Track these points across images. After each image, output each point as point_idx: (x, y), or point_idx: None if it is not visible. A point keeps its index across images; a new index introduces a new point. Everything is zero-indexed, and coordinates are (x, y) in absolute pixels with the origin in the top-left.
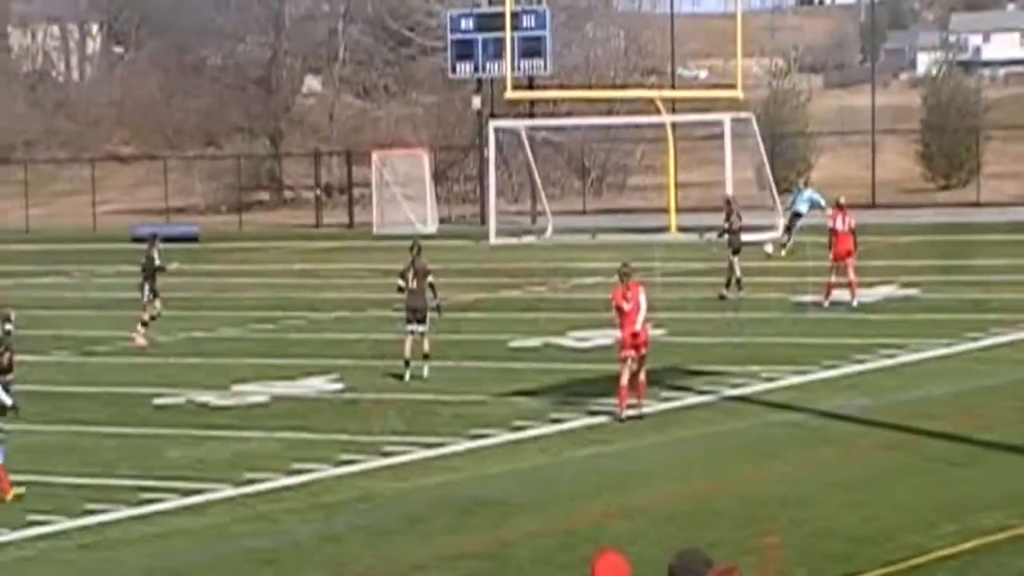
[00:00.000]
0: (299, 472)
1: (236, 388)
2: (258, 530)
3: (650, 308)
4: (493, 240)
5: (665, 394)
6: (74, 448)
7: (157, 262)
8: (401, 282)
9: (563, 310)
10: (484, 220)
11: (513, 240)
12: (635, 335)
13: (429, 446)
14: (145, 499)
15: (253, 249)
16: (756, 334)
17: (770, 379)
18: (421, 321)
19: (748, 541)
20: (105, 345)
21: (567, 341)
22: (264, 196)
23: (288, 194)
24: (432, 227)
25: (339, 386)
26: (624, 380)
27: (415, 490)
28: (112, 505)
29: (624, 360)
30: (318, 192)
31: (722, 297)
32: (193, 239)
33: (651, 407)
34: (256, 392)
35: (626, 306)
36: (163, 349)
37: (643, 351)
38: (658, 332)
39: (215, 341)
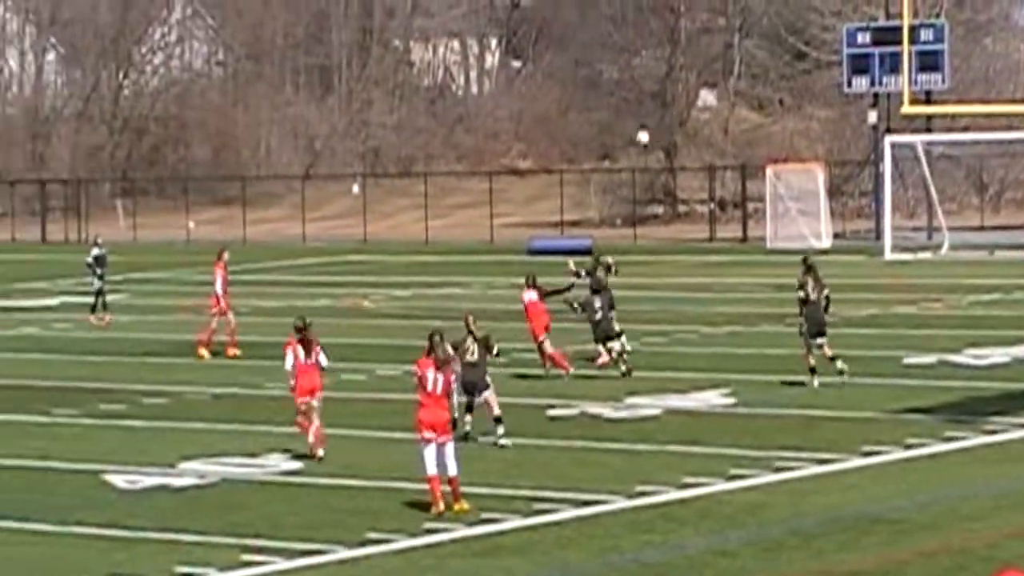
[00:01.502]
0: (690, 486)
1: (629, 401)
2: (650, 542)
3: None
4: (888, 255)
5: None
6: (469, 457)
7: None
8: (801, 294)
9: (959, 327)
10: (879, 235)
11: (908, 256)
12: None
13: (821, 462)
14: (538, 509)
15: (646, 262)
16: None
17: None
18: (819, 335)
19: None
20: (499, 356)
21: (963, 358)
22: (658, 210)
23: (682, 208)
24: (826, 242)
25: (731, 400)
26: None
27: (808, 506)
28: (507, 514)
29: None
30: (712, 206)
31: None
32: (587, 252)
33: None
34: (648, 405)
35: None
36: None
37: None
38: None
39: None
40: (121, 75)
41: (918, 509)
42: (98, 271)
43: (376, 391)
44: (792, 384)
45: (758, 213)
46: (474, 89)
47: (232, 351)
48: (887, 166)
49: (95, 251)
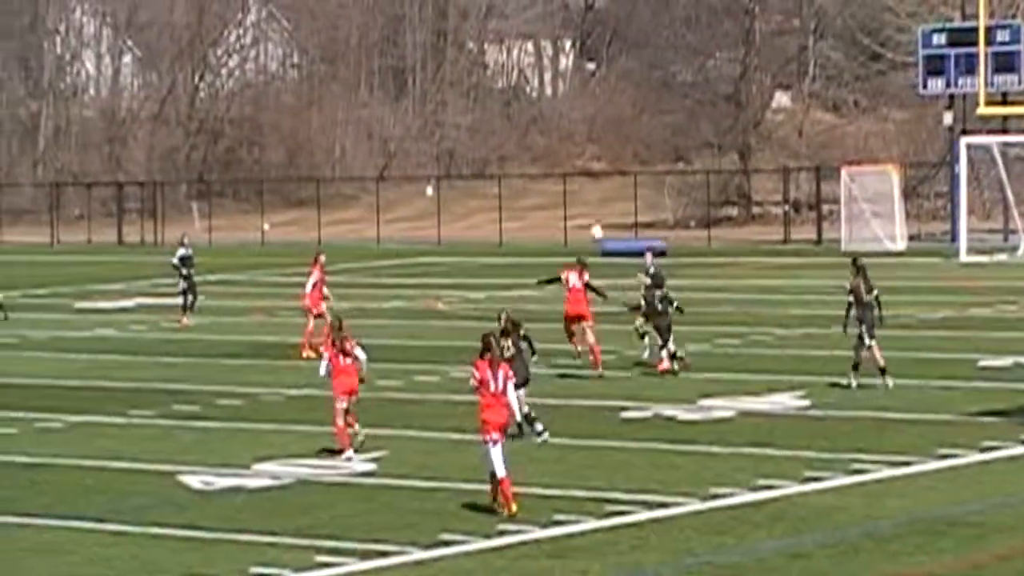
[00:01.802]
0: (764, 488)
1: (702, 403)
2: (723, 544)
3: None
4: (963, 258)
5: None
6: (542, 459)
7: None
8: (851, 298)
9: None
10: (954, 237)
11: (984, 258)
12: None
13: (896, 464)
14: (612, 511)
15: (720, 264)
16: None
17: None
18: (873, 336)
19: None
20: (571, 359)
21: None
22: (732, 212)
23: (756, 210)
24: (901, 244)
25: (806, 403)
26: None
27: (882, 509)
28: (580, 516)
29: None
30: (786, 208)
31: None
32: (661, 254)
33: None
34: (722, 407)
35: None
36: (631, 363)
37: None
38: None
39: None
40: (197, 77)
41: (994, 512)
42: (183, 271)
43: (449, 392)
44: (867, 386)
45: (833, 215)
46: (548, 91)
47: (307, 353)
48: (963, 168)
49: (181, 251)
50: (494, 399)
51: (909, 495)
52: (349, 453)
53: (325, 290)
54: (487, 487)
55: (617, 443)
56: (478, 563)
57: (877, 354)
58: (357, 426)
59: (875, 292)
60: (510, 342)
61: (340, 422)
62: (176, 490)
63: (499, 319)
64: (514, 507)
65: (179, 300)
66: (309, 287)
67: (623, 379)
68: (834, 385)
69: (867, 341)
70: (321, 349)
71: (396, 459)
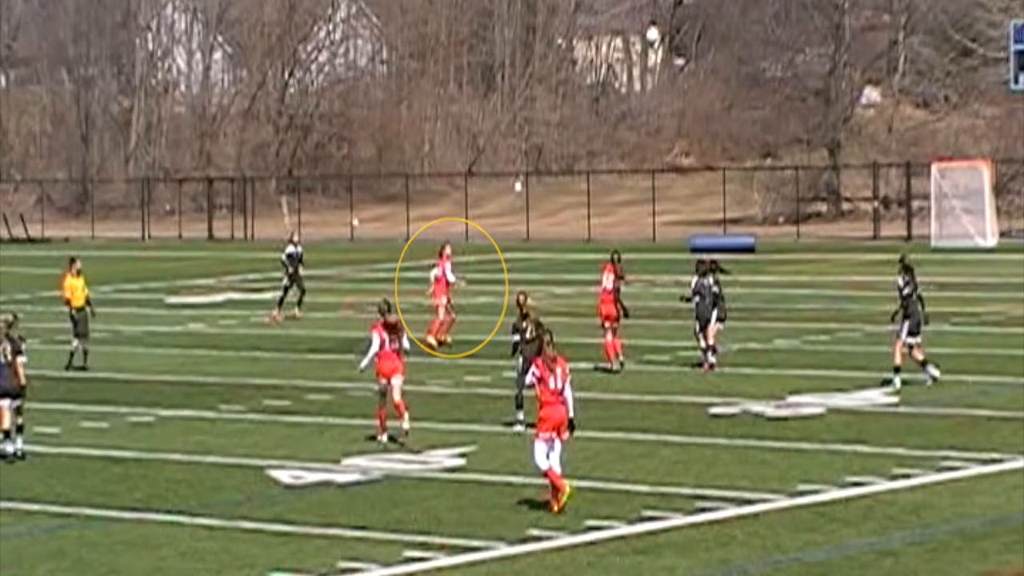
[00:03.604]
0: (853, 485)
1: (791, 399)
2: (812, 542)
3: None
4: None
5: None
6: (631, 455)
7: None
8: (900, 295)
9: None
10: None
11: None
12: None
13: (986, 462)
14: (701, 507)
15: (809, 261)
16: None
17: None
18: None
19: None
20: (662, 355)
21: None
22: (821, 208)
23: (846, 206)
24: (992, 241)
25: (895, 399)
26: None
27: (972, 507)
28: (669, 512)
29: None
30: (876, 204)
31: None
32: (750, 250)
33: None
34: (811, 404)
35: None
36: (719, 359)
37: None
38: None
39: (770, 352)
40: (287, 73)
41: None
42: (290, 269)
43: None
44: (957, 383)
45: (923, 211)
46: (637, 87)
47: (434, 339)
48: None
49: (289, 248)
50: (553, 397)
51: (999, 493)
52: (384, 438)
53: (452, 277)
54: (577, 483)
55: (706, 439)
56: (565, 559)
57: (914, 351)
58: (406, 421)
59: (919, 290)
60: (530, 324)
61: (396, 397)
62: (266, 485)
63: (517, 302)
64: (564, 497)
65: (278, 295)
66: (433, 279)
67: (712, 375)
68: (905, 383)
69: (907, 339)
70: (371, 332)
71: (485, 454)
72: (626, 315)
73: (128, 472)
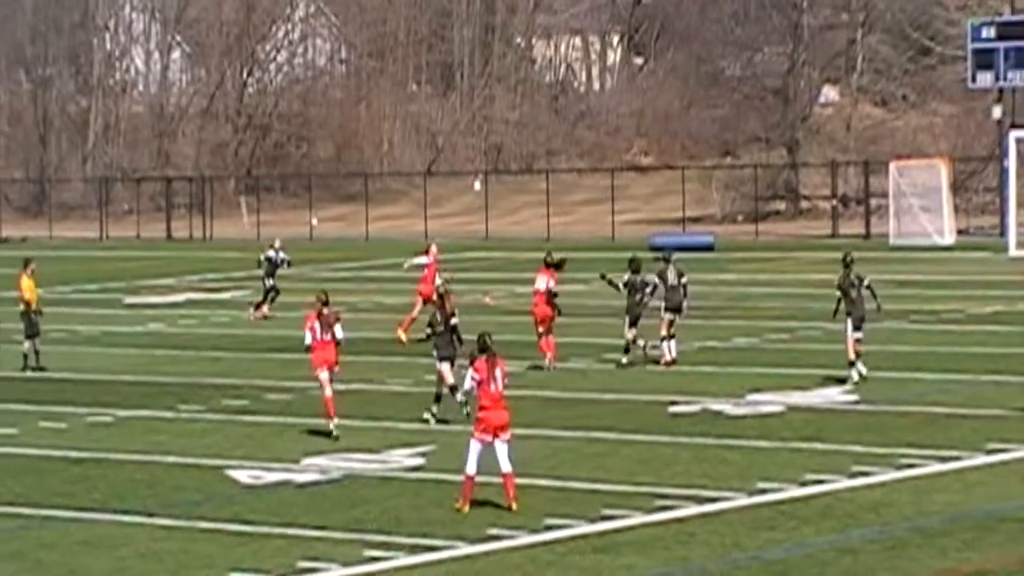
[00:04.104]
0: (813, 483)
1: (751, 397)
2: (771, 539)
3: None
4: (1013, 252)
5: None
6: (591, 454)
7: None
8: (839, 293)
9: None
10: (1004, 232)
11: None
12: None
13: (945, 459)
14: (661, 506)
15: (768, 259)
16: None
17: None
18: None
19: None
20: (621, 353)
21: None
22: (780, 206)
23: (804, 204)
24: (950, 239)
25: (854, 397)
26: None
27: (931, 504)
28: (629, 511)
29: None
30: (835, 203)
31: None
32: (709, 248)
33: None
34: (771, 402)
35: None
36: (679, 357)
37: None
38: None
39: (730, 350)
40: (245, 73)
41: None
42: (266, 271)
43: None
44: (916, 381)
45: (881, 209)
46: (596, 86)
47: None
48: (1012, 161)
49: (270, 253)
50: (494, 399)
51: (958, 490)
52: (333, 425)
53: (438, 279)
54: (536, 482)
55: (666, 438)
56: (525, 558)
57: (853, 345)
58: (334, 422)
59: (866, 281)
60: (440, 317)
61: (327, 392)
62: (225, 485)
63: (438, 293)
64: (467, 508)
65: (259, 295)
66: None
67: (672, 374)
68: (839, 381)
69: (857, 335)
70: (305, 322)
71: (445, 453)
72: (559, 314)
73: (87, 472)
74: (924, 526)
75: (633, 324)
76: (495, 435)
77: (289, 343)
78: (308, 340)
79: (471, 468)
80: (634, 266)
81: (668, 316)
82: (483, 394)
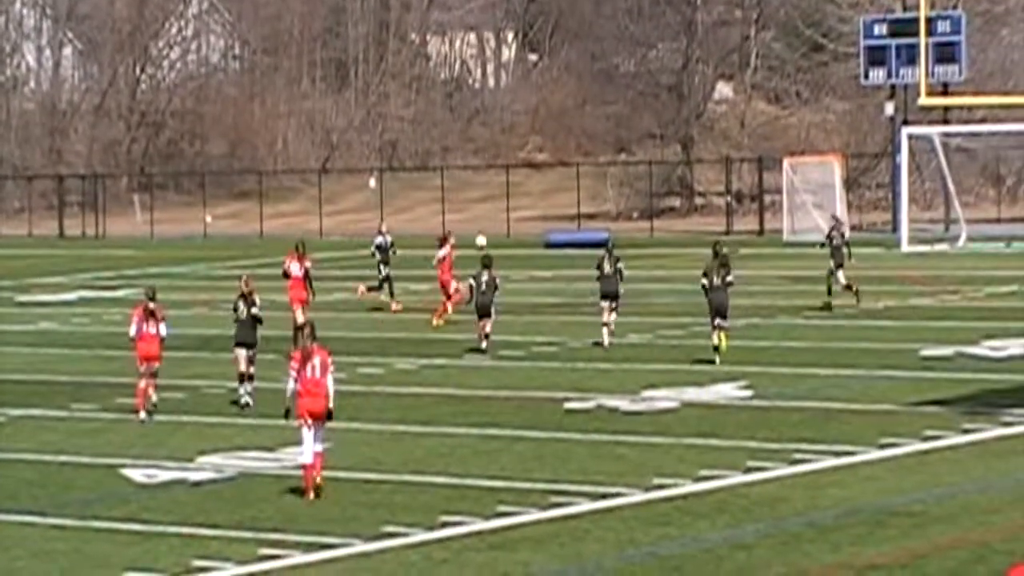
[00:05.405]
0: (707, 479)
1: (646, 393)
2: (666, 535)
3: None
4: (905, 247)
5: None
6: (486, 450)
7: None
8: (704, 281)
9: (977, 319)
10: (896, 227)
11: (925, 248)
12: None
13: (838, 455)
14: (556, 502)
15: (663, 255)
16: None
17: None
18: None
19: None
20: (517, 350)
21: (980, 350)
22: (675, 202)
23: (699, 200)
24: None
25: (748, 393)
26: None
27: (825, 499)
28: (524, 507)
29: None
30: (729, 199)
31: None
32: (605, 245)
33: None
34: (665, 398)
35: None
36: (574, 354)
37: None
38: None
39: (625, 347)
40: (138, 70)
41: (936, 502)
42: (378, 257)
43: (395, 385)
44: (810, 376)
45: (775, 206)
46: (491, 82)
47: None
48: (904, 158)
49: (378, 239)
50: (308, 387)
51: (851, 485)
52: (142, 415)
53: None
54: (432, 479)
55: (561, 434)
56: (421, 555)
57: (716, 335)
58: (154, 394)
59: (729, 278)
60: (244, 304)
61: (142, 384)
62: (119, 483)
63: (243, 283)
64: (312, 495)
65: (385, 286)
66: (435, 262)
67: (567, 370)
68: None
69: (718, 322)
70: (132, 315)
71: (340, 452)
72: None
73: None
74: (817, 521)
75: (482, 317)
76: (314, 420)
77: (183, 341)
78: (132, 332)
79: (308, 457)
80: (485, 262)
81: (604, 303)
82: (301, 382)
